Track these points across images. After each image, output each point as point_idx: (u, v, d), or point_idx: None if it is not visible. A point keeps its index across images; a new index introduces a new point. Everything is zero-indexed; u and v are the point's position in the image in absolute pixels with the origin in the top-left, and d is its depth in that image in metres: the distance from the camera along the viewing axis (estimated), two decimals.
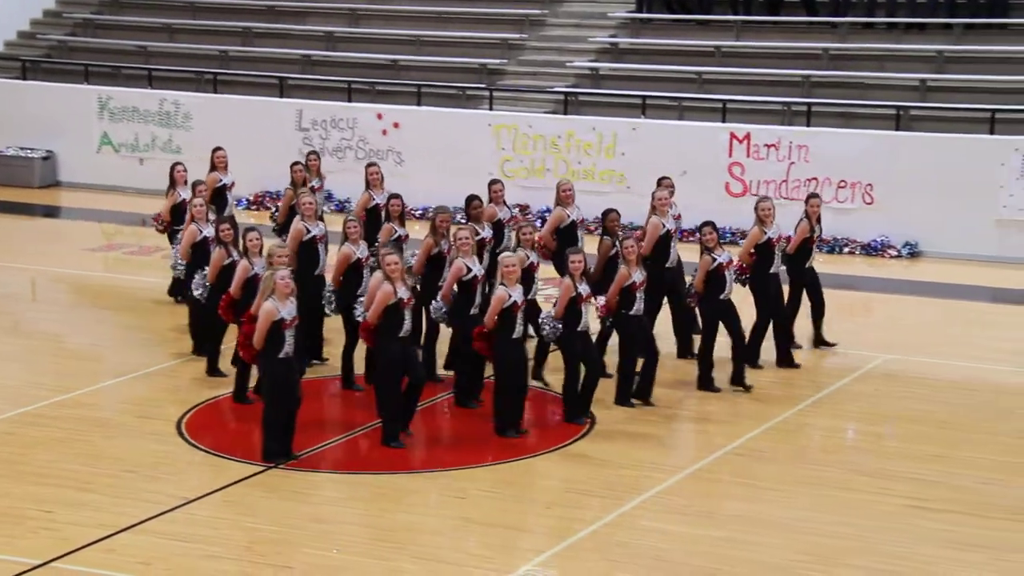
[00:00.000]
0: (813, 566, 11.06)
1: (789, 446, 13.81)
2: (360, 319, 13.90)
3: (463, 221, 16.31)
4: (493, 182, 16.80)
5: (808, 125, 22.90)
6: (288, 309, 12.83)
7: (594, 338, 14.63)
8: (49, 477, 12.75)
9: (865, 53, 24.30)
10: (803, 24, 25.33)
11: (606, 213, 15.57)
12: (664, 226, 15.94)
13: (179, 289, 17.81)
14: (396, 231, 15.84)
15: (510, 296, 13.47)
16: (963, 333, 17.60)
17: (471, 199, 16.08)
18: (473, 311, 14.24)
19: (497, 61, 26.39)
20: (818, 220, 16.38)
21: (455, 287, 14.24)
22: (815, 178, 21.99)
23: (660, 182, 16.82)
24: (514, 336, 13.55)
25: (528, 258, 14.65)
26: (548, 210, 16.66)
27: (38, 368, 16.29)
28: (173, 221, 17.94)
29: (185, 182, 18.07)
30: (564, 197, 16.34)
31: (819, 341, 16.71)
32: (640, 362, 14.60)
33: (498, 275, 13.76)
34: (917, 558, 11.21)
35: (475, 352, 14.03)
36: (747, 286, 15.83)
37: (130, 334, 17.55)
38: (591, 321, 14.16)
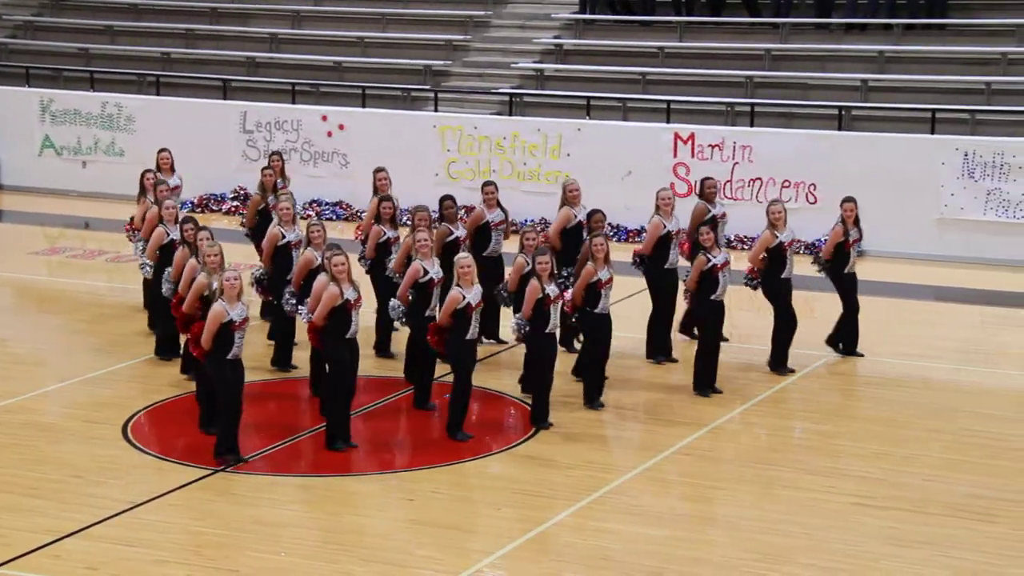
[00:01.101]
0: (759, 564, 11.13)
1: (735, 445, 13.89)
2: (304, 320, 13.89)
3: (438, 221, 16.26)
4: (486, 184, 16.64)
5: (751, 125, 23.05)
6: (238, 311, 12.79)
7: None
8: None
9: (806, 54, 24.47)
10: (745, 25, 25.49)
11: (591, 214, 15.61)
12: (665, 226, 15.94)
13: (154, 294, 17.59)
14: (386, 233, 15.77)
15: (464, 297, 13.47)
16: (906, 332, 17.76)
17: (444, 199, 16.06)
18: (429, 313, 14.25)
19: (441, 63, 26.40)
20: (855, 223, 16.20)
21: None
22: (759, 178, 22.14)
23: (705, 182, 16.80)
24: (468, 337, 13.56)
25: (527, 264, 14.59)
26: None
27: None
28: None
29: (154, 188, 17.90)
30: (571, 197, 16.25)
31: (841, 346, 16.45)
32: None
33: (455, 276, 13.70)
34: (863, 556, 11.31)
35: (428, 348, 14.04)
36: (759, 291, 15.83)
37: (74, 338, 17.44)
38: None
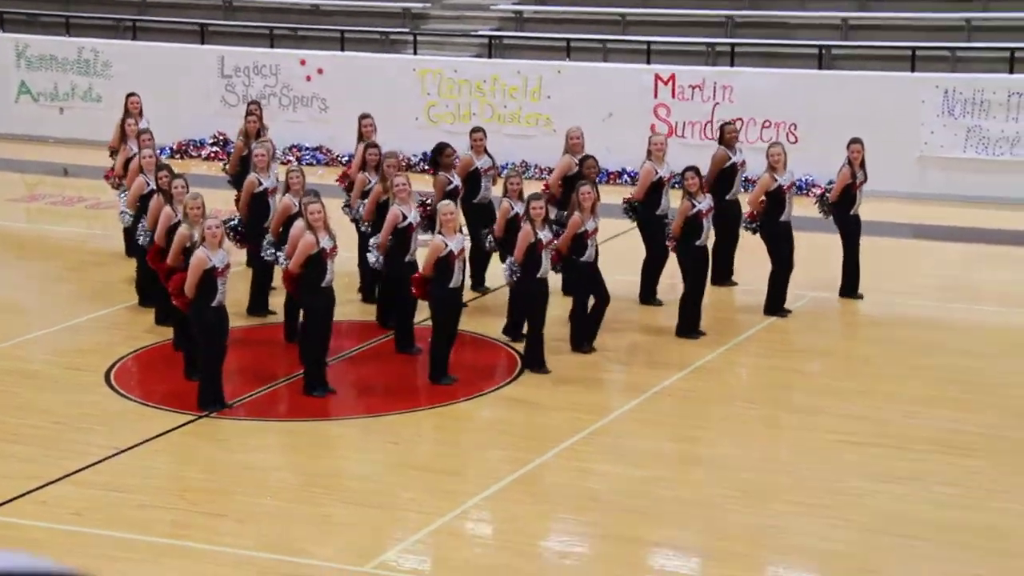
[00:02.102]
0: (743, 502, 11.19)
1: (719, 385, 13.93)
2: (281, 267, 13.85)
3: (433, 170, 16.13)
4: (474, 130, 16.53)
5: (732, 65, 23.00)
6: (219, 257, 12.76)
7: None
8: None
9: None
10: None
11: (583, 159, 15.55)
12: (657, 172, 15.86)
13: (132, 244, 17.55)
14: (371, 181, 15.56)
15: (446, 245, 13.43)
16: (886, 270, 17.80)
17: (443, 147, 15.88)
18: (408, 258, 14.23)
19: (420, 5, 26.26)
20: (861, 165, 16.13)
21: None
22: (740, 118, 22.10)
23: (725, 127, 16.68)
24: (451, 285, 13.53)
25: (513, 208, 14.55)
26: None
27: None
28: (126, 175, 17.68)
29: (137, 136, 17.79)
30: (573, 145, 16.15)
31: (848, 290, 16.42)
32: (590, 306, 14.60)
33: (436, 223, 13.63)
34: (846, 492, 11.38)
35: (410, 297, 14.02)
36: (757, 234, 15.79)
37: (55, 285, 17.39)
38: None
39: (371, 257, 14.47)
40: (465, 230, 15.01)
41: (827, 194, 16.56)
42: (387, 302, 15.01)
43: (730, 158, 16.42)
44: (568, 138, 16.27)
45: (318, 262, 13.14)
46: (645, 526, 10.84)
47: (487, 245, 15.29)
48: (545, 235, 13.82)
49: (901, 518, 10.90)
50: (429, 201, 14.96)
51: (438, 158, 15.88)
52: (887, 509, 11.07)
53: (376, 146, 15.85)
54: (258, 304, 15.74)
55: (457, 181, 15.75)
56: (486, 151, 16.38)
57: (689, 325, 15.03)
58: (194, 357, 13.59)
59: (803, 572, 10.29)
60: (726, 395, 13.67)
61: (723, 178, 16.36)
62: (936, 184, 21.62)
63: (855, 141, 16.29)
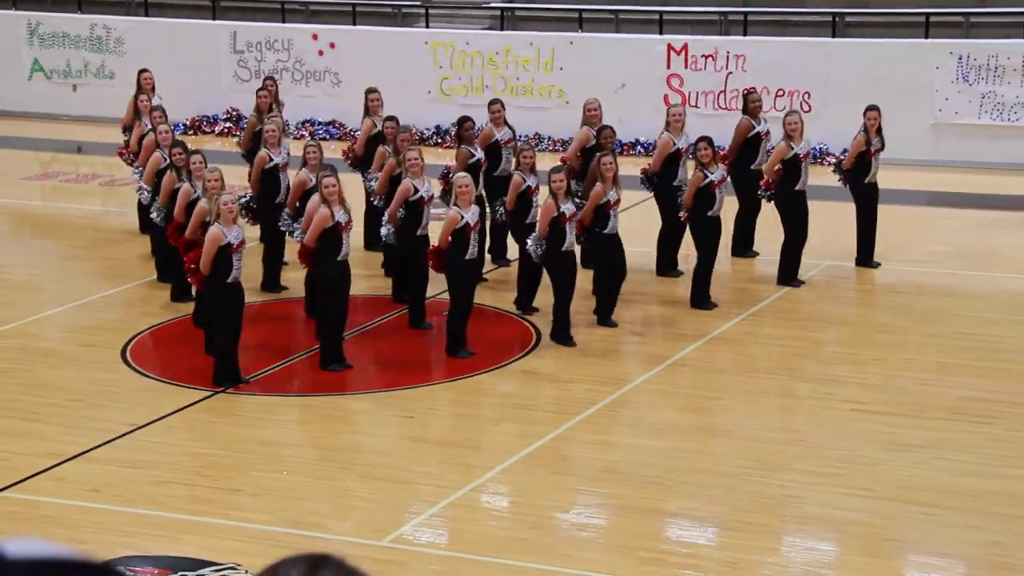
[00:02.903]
0: (759, 472, 11.20)
1: (733, 355, 13.92)
2: (297, 241, 13.86)
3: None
4: (492, 102, 16.42)
5: (745, 34, 22.91)
6: (235, 233, 12.77)
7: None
8: None
9: None
10: None
11: (600, 129, 15.50)
12: (675, 143, 15.82)
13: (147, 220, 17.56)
14: (390, 155, 15.49)
15: (462, 217, 13.42)
16: (901, 237, 17.76)
17: (464, 120, 15.79)
18: (420, 232, 14.21)
19: None
20: (877, 132, 16.09)
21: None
22: (753, 88, 22.01)
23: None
24: (467, 257, 13.52)
25: (525, 181, 14.50)
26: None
27: None
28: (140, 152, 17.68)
29: (149, 112, 17.78)
30: (590, 117, 16.04)
31: (864, 259, 16.39)
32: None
33: (452, 195, 13.61)
34: (861, 460, 11.38)
35: (423, 271, 14.01)
36: (772, 203, 15.76)
37: (70, 263, 17.43)
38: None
39: (383, 230, 14.47)
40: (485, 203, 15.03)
41: (842, 161, 16.52)
42: (400, 276, 15.01)
43: (754, 127, 16.37)
44: (586, 109, 16.20)
45: (333, 236, 13.14)
46: (662, 497, 10.85)
47: (498, 217, 15.26)
48: (568, 208, 13.77)
49: (918, 486, 10.90)
50: (451, 173, 14.94)
51: (460, 131, 15.81)
52: (904, 477, 11.07)
53: (393, 119, 15.83)
54: (270, 282, 15.75)
55: (480, 154, 15.68)
56: (506, 122, 16.31)
57: (703, 296, 15.01)
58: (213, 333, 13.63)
59: (821, 541, 10.30)
60: (742, 365, 13.66)
61: (747, 147, 16.32)
62: (951, 151, 21.53)
63: (871, 108, 16.25)
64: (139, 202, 16.74)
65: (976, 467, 11.27)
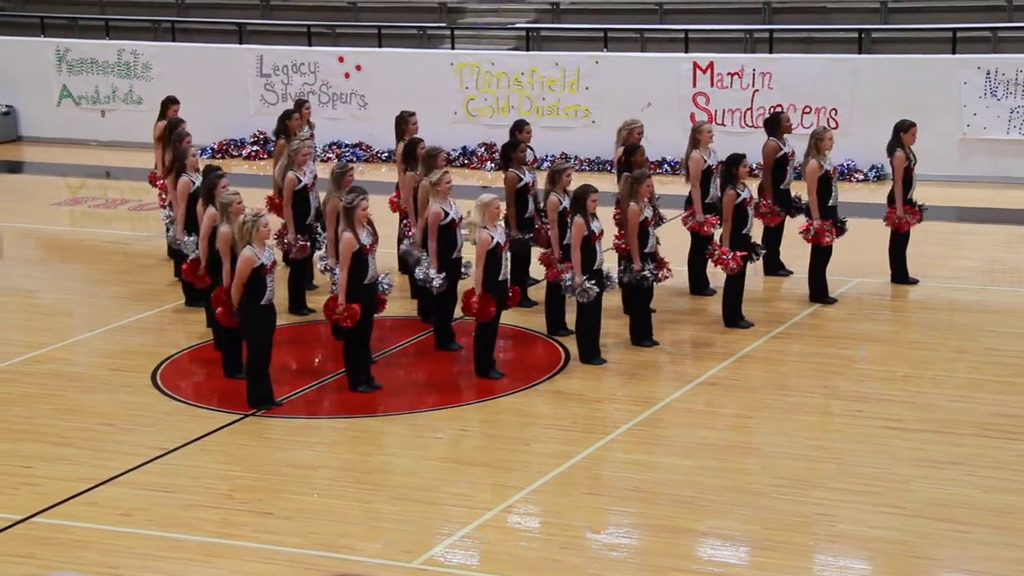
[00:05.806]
0: (790, 490, 11.16)
1: (762, 373, 13.88)
2: (323, 272, 13.84)
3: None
4: (522, 124, 16.18)
5: (771, 52, 22.90)
6: (267, 255, 12.78)
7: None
8: (26, 433, 12.75)
9: None
10: None
11: (632, 149, 15.47)
12: (706, 160, 15.83)
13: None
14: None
15: (492, 238, 13.39)
16: (930, 254, 17.69)
17: (516, 144, 15.53)
18: (456, 255, 14.16)
19: None
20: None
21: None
22: (780, 105, 22.00)
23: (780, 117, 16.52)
24: (500, 278, 13.48)
25: (561, 202, 14.36)
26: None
27: (8, 325, 16.24)
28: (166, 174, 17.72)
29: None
30: (635, 140, 15.88)
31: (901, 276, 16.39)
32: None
33: (481, 216, 13.42)
34: (893, 478, 11.33)
35: (450, 293, 13.99)
36: (800, 215, 15.86)
37: (100, 288, 17.50)
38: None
39: (404, 252, 14.36)
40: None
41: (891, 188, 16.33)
42: (426, 298, 14.97)
43: (781, 148, 16.34)
44: (633, 131, 16.04)
45: (358, 259, 13.10)
46: (694, 516, 10.81)
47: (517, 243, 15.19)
48: (597, 226, 13.73)
49: (950, 504, 10.84)
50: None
51: (510, 153, 15.65)
52: (936, 495, 11.01)
53: (420, 140, 15.81)
54: (297, 304, 15.77)
55: (528, 177, 15.45)
56: (529, 147, 16.22)
57: (735, 314, 14.96)
58: (232, 356, 13.63)
59: (853, 560, 10.24)
60: (773, 383, 13.62)
61: (776, 168, 16.31)
62: (979, 166, 21.47)
63: (912, 124, 16.20)
64: (167, 228, 16.81)
65: (1009, 484, 11.20)
